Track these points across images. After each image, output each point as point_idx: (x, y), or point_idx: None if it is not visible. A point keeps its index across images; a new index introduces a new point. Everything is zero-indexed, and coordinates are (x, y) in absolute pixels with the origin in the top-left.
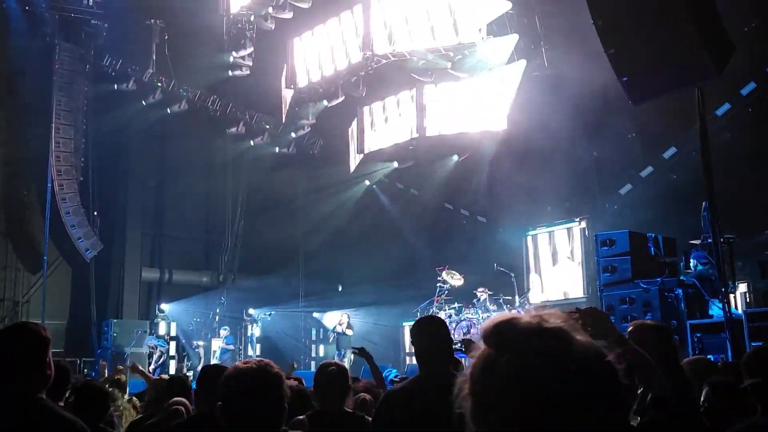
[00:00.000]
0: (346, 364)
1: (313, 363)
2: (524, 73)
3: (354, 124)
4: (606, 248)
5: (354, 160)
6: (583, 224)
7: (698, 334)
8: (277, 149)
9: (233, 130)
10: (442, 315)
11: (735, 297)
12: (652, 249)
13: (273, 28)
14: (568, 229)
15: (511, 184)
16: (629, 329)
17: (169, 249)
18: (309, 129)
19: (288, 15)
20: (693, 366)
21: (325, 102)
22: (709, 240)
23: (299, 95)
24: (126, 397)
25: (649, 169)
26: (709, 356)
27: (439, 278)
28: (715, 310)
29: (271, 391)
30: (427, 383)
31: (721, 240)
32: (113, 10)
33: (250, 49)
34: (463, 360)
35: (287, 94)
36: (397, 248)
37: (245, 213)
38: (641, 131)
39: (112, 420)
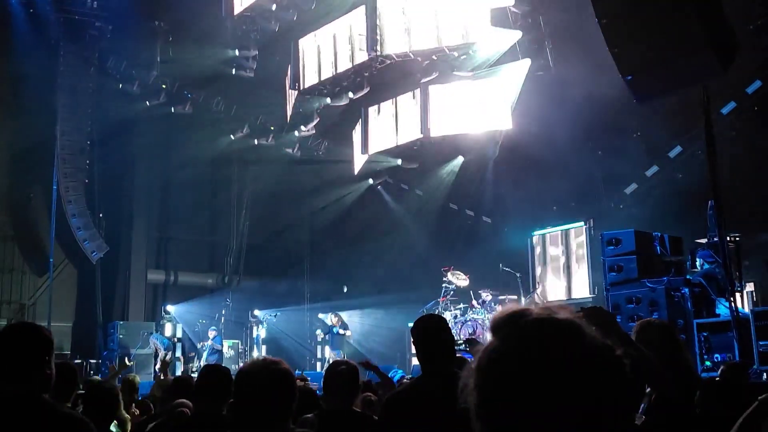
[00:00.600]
0: None
1: (318, 364)
2: (528, 73)
3: (358, 124)
4: (612, 247)
5: (358, 161)
6: (589, 223)
7: (705, 333)
8: (281, 150)
9: (238, 131)
10: (447, 316)
11: (742, 296)
12: (658, 248)
13: (277, 29)
14: (574, 228)
15: (516, 185)
16: (634, 329)
17: (174, 251)
18: (313, 130)
19: (292, 16)
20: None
21: (329, 101)
22: (716, 239)
23: (304, 96)
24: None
25: (655, 168)
26: (716, 355)
27: (444, 279)
28: (722, 309)
29: (283, 385)
30: (429, 383)
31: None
32: (117, 12)
33: (254, 51)
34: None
35: (291, 95)
36: (402, 249)
37: (250, 214)
38: (646, 130)
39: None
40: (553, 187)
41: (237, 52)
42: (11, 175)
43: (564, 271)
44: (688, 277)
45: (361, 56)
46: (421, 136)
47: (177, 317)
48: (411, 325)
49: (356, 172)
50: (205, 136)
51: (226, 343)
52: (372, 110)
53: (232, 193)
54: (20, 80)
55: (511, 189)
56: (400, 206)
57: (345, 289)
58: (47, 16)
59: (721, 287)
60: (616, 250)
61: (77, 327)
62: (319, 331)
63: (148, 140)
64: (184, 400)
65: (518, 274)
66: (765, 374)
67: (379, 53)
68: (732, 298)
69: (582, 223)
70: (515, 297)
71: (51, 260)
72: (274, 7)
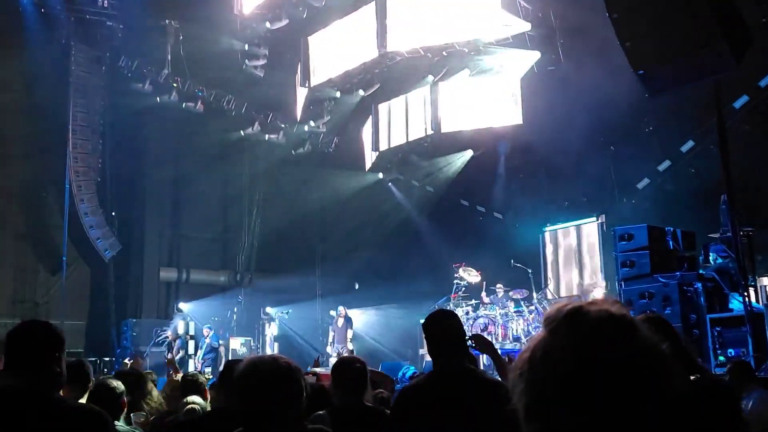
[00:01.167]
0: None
1: (330, 360)
2: (539, 68)
3: (369, 121)
4: (624, 243)
5: (369, 157)
6: (601, 219)
7: (718, 328)
8: (292, 148)
9: (249, 129)
10: (459, 312)
11: (755, 290)
12: (671, 243)
13: (287, 26)
14: (586, 224)
15: (527, 180)
16: None
17: (186, 248)
18: (324, 127)
19: (302, 13)
20: None
21: (339, 98)
22: (728, 233)
23: (314, 93)
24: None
25: (667, 162)
26: (729, 350)
27: (456, 275)
28: (735, 303)
29: (286, 382)
30: (440, 378)
31: (741, 233)
32: (128, 12)
33: (264, 48)
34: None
35: (302, 93)
36: (413, 245)
37: (261, 212)
38: (658, 124)
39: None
40: (564, 183)
41: (247, 48)
42: (23, 175)
43: (576, 267)
44: (701, 271)
45: (372, 53)
46: (432, 132)
47: (189, 315)
48: (422, 321)
49: (367, 168)
50: (216, 133)
51: (238, 341)
52: (382, 107)
53: (243, 190)
54: (32, 80)
55: (522, 185)
56: (411, 202)
57: (356, 286)
58: (59, 15)
59: (735, 282)
60: (629, 246)
61: (91, 325)
62: (330, 330)
63: (160, 138)
64: (194, 397)
65: (530, 270)
66: None
67: (389, 50)
68: (745, 293)
69: (594, 219)
70: (527, 292)
71: (64, 259)
72: (284, 4)
